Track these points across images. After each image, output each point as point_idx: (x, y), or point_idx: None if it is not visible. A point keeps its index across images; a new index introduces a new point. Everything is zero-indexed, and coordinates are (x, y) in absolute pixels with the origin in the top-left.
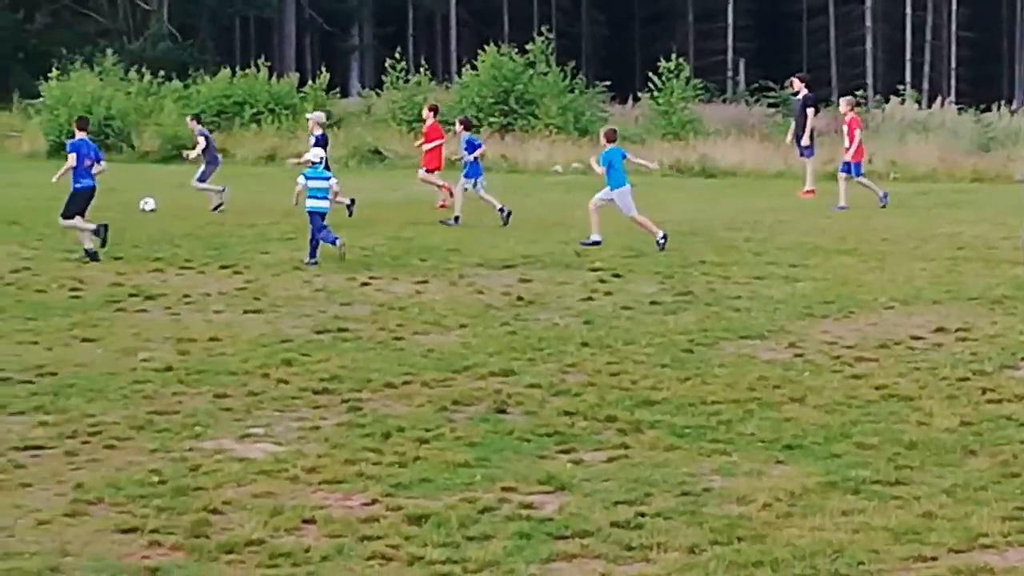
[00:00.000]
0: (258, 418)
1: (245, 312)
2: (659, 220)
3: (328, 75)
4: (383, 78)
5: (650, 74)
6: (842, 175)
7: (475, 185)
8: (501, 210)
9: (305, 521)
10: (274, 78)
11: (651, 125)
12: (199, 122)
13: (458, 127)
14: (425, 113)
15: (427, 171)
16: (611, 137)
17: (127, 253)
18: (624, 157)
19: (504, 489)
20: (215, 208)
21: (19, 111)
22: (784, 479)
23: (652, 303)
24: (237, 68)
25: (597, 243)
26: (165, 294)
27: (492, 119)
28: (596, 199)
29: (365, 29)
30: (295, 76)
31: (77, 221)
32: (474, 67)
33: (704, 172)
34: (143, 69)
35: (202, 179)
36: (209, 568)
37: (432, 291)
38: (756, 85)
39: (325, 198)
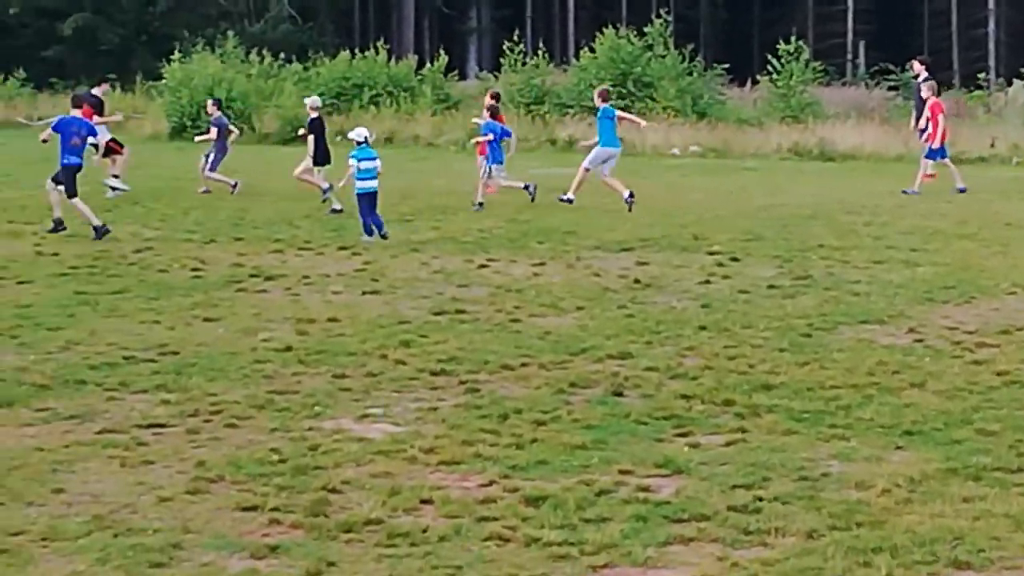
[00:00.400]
0: (376, 399)
1: (363, 293)
2: (778, 203)
3: (446, 57)
4: (501, 60)
5: (769, 57)
6: (927, 161)
7: (490, 173)
8: (527, 187)
9: (423, 501)
10: (393, 60)
11: (769, 108)
12: (219, 108)
13: (485, 113)
14: (487, 100)
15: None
16: (605, 96)
17: (248, 234)
18: (613, 117)
19: (621, 472)
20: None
21: (142, 93)
22: (904, 465)
23: (770, 287)
24: (356, 50)
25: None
26: (285, 275)
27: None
28: (603, 169)
29: (483, 11)
30: (413, 58)
31: (78, 202)
32: (592, 50)
33: (823, 155)
34: (263, 51)
35: (212, 168)
36: (328, 547)
37: (549, 273)
38: (876, 68)
39: (374, 179)
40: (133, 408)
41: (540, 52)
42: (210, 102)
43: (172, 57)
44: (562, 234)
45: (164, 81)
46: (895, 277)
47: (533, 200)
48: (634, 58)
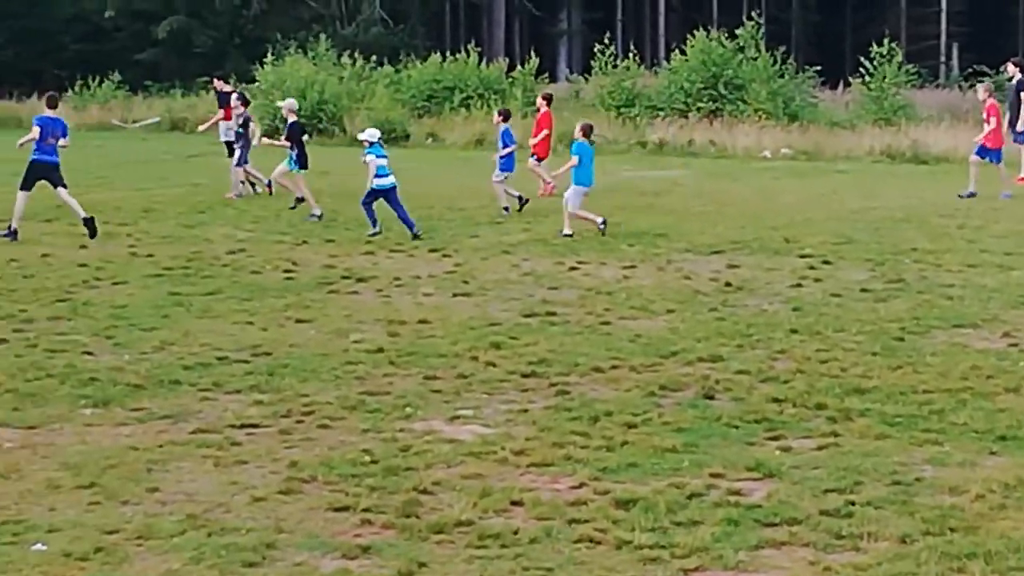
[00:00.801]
0: (467, 400)
1: (454, 295)
2: (870, 206)
3: (537, 60)
4: (591, 63)
5: (861, 59)
6: (976, 158)
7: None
8: (520, 198)
9: (513, 503)
10: (483, 63)
11: (862, 111)
12: (245, 104)
13: (496, 119)
14: (539, 102)
15: (537, 160)
16: (587, 132)
17: (339, 236)
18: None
19: (712, 475)
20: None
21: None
22: (998, 470)
23: (862, 290)
24: (447, 53)
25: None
26: (376, 276)
27: (700, 104)
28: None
29: (573, 14)
30: (504, 61)
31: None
32: (683, 52)
33: (916, 158)
34: (355, 54)
35: (240, 163)
36: (419, 547)
37: (640, 276)
38: (970, 70)
39: (389, 175)
40: (226, 408)
41: (631, 54)
42: (234, 96)
43: (265, 60)
44: (652, 236)
45: (257, 84)
46: (989, 281)
47: (520, 211)
48: (725, 60)
